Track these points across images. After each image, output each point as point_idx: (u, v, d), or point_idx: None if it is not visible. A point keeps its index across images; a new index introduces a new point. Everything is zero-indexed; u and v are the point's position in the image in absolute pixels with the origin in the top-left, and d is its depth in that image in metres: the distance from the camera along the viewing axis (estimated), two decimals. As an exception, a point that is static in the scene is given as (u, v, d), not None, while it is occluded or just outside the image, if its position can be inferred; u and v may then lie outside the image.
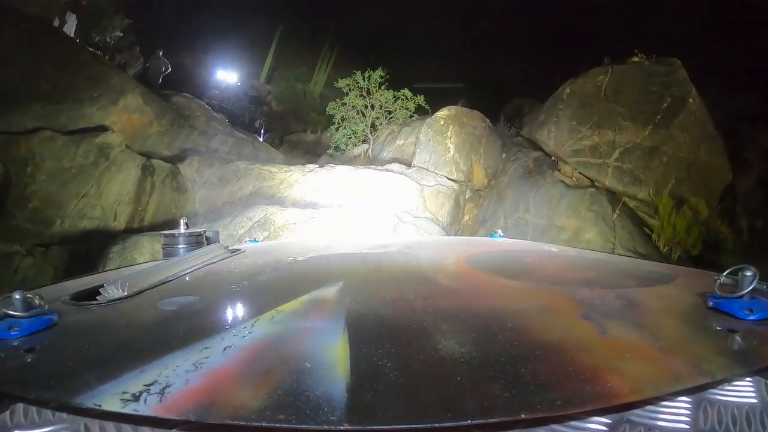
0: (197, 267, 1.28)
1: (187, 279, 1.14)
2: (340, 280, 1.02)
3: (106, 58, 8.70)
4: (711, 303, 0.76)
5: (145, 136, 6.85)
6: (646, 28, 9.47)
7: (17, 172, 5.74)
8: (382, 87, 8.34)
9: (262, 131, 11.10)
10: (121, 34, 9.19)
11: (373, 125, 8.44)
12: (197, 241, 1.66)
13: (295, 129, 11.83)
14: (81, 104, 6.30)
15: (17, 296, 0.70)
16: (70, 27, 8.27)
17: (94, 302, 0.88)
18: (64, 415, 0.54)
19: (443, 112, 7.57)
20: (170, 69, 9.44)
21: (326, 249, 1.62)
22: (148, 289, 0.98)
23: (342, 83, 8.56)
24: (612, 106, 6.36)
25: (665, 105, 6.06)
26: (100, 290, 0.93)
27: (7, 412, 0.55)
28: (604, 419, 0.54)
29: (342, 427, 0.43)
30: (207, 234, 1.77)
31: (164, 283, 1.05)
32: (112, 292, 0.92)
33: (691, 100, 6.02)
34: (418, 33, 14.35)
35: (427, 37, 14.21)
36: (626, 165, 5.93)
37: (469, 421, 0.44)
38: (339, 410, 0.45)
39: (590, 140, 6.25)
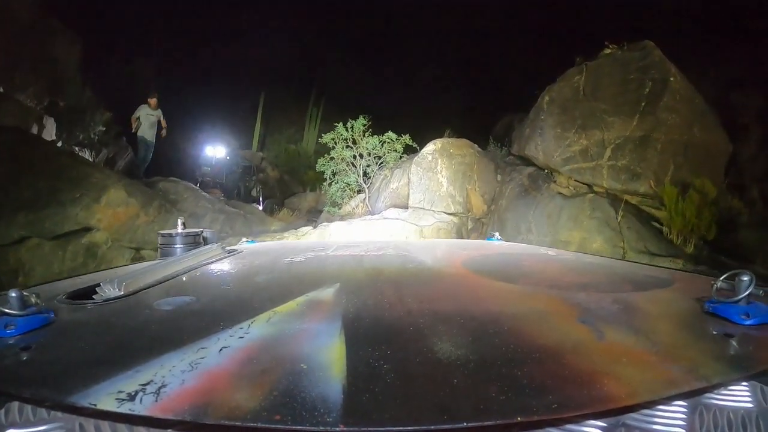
0: (194, 267, 1.28)
1: (184, 279, 1.14)
2: (336, 281, 1.02)
3: (92, 153, 8.75)
4: (708, 307, 0.76)
5: (134, 228, 6.71)
6: (615, 16, 9.30)
7: (9, 284, 5.61)
8: (367, 134, 8.23)
9: (261, 199, 11.01)
10: (104, 128, 9.18)
11: (365, 174, 8.33)
12: (194, 241, 1.66)
13: (294, 191, 11.81)
14: (64, 207, 6.21)
15: (13, 294, 0.70)
16: (50, 130, 8.21)
17: (91, 301, 0.88)
18: (59, 414, 0.54)
19: (429, 148, 7.41)
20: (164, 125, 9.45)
21: (323, 250, 1.62)
22: (145, 289, 0.98)
23: (327, 138, 8.42)
24: (594, 104, 6.11)
25: (647, 90, 5.75)
26: (97, 289, 0.93)
27: (2, 411, 0.55)
28: (600, 423, 0.54)
29: (337, 429, 0.43)
30: (204, 234, 1.77)
31: (161, 282, 1.05)
32: (109, 291, 0.92)
33: (672, 79, 5.72)
34: (397, 70, 14.61)
35: (408, 71, 14.48)
36: (620, 162, 5.67)
37: (465, 424, 0.44)
38: (335, 412, 0.45)
39: (579, 144, 6.01)
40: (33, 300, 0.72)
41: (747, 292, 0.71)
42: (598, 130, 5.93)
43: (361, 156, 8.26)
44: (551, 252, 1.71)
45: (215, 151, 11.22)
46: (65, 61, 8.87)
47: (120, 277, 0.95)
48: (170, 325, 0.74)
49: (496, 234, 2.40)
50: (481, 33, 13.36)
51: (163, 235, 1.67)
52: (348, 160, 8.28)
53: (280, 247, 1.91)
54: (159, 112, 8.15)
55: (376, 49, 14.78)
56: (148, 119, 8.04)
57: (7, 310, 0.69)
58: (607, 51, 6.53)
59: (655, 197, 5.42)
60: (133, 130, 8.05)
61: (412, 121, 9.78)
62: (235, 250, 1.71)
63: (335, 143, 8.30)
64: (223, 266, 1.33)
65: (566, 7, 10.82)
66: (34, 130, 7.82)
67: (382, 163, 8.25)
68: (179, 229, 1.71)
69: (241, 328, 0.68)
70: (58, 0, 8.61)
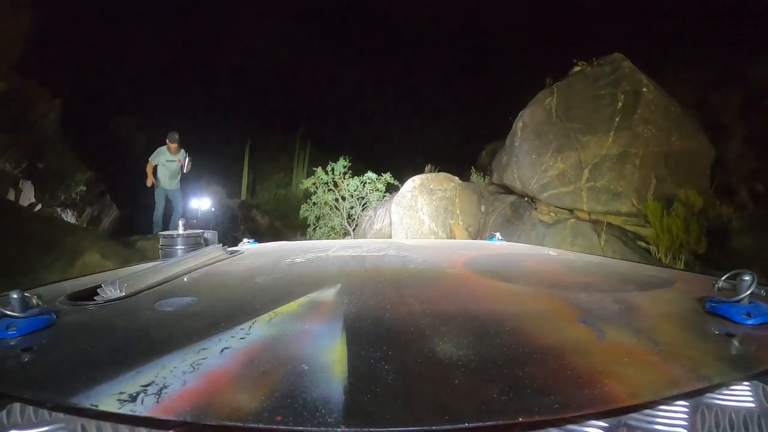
0: (195, 268, 1.28)
1: (185, 280, 1.14)
2: (337, 282, 1.02)
3: (75, 214, 8.63)
4: (709, 307, 0.76)
5: (109, 290, 6.69)
6: (584, 33, 9.33)
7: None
8: (347, 176, 8.11)
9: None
10: (85, 188, 9.07)
11: (349, 216, 8.17)
12: (196, 242, 1.66)
13: (286, 236, 11.66)
14: (37, 274, 5.97)
15: (15, 296, 0.70)
16: (28, 194, 8.06)
17: (92, 302, 0.88)
18: (61, 415, 0.54)
19: (408, 185, 7.25)
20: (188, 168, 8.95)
21: (324, 251, 1.62)
22: (146, 290, 0.98)
23: (307, 183, 8.27)
24: (567, 125, 5.88)
25: (620, 104, 5.58)
26: (98, 290, 0.93)
27: (4, 412, 0.55)
28: (601, 423, 0.53)
29: (339, 430, 0.43)
30: (205, 235, 1.77)
31: (162, 284, 1.05)
32: (110, 292, 0.92)
33: (645, 90, 5.55)
34: (381, 105, 14.77)
35: (390, 107, 14.70)
36: (599, 182, 5.44)
37: (466, 425, 0.44)
38: (336, 412, 0.45)
39: (555, 169, 5.79)
40: (34, 301, 0.73)
41: (748, 292, 0.71)
42: (574, 151, 5.72)
43: (343, 198, 8.12)
44: (552, 252, 1.71)
45: (200, 203, 11.06)
46: (44, 123, 8.68)
47: (121, 279, 0.96)
48: (171, 326, 0.74)
49: (497, 234, 2.40)
50: (463, 61, 13.69)
51: (164, 237, 1.67)
52: (330, 203, 8.15)
53: (282, 248, 1.91)
54: (182, 155, 6.32)
55: (358, 87, 15.09)
56: (168, 168, 6.35)
57: (8, 312, 0.69)
58: (577, 69, 6.36)
59: (639, 215, 5.23)
60: (149, 184, 6.34)
61: (397, 155, 9.88)
62: (236, 251, 1.71)
63: (316, 187, 8.16)
64: (224, 267, 1.33)
65: (544, 25, 10.99)
66: (11, 194, 7.65)
67: (365, 203, 8.13)
68: (180, 230, 1.71)
69: (242, 329, 0.68)
70: (35, 62, 8.51)
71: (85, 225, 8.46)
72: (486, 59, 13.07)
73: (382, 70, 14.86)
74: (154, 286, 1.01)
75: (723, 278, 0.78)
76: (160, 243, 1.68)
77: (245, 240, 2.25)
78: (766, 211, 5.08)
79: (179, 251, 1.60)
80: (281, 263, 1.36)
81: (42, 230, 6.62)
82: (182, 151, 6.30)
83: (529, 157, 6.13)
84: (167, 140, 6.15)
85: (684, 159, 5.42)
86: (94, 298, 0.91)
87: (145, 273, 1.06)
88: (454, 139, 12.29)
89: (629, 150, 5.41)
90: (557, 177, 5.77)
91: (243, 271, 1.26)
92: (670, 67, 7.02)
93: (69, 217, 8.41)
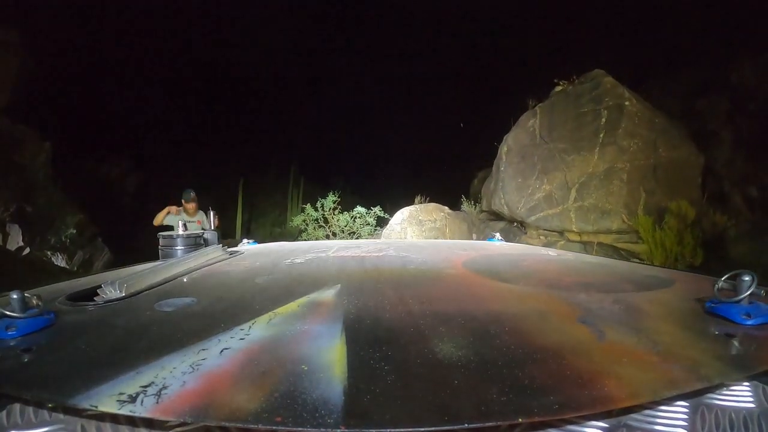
0: (195, 268, 1.28)
1: (185, 280, 1.14)
2: (337, 282, 1.02)
3: (65, 257, 8.52)
4: (709, 307, 0.76)
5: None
6: (564, 51, 9.36)
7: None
8: (337, 211, 8.07)
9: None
10: (75, 231, 8.95)
11: None
12: (195, 243, 1.66)
13: None
14: None
15: (15, 296, 0.70)
16: (16, 237, 7.94)
17: (92, 303, 0.88)
18: (61, 415, 0.54)
19: (397, 218, 7.25)
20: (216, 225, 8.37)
21: (324, 251, 1.62)
22: (146, 290, 0.98)
23: (297, 220, 8.21)
24: (551, 145, 5.82)
25: (603, 120, 5.51)
26: (98, 291, 0.93)
27: (4, 412, 0.55)
28: (601, 423, 0.53)
29: (339, 430, 0.43)
30: (205, 235, 1.76)
31: (162, 284, 1.05)
32: (110, 292, 0.92)
33: (627, 103, 5.50)
34: (373, 137, 14.90)
35: (381, 137, 14.80)
36: (587, 201, 5.36)
37: (466, 425, 0.44)
38: (336, 413, 0.45)
39: (542, 191, 5.74)
40: (34, 302, 0.73)
41: (748, 292, 0.71)
42: (559, 171, 5.66)
43: (334, 234, 8.10)
44: (552, 252, 1.70)
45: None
46: (33, 166, 8.62)
47: (121, 279, 0.96)
48: (171, 326, 0.74)
49: (497, 234, 2.40)
50: (451, 88, 13.78)
51: (164, 237, 1.67)
52: (322, 240, 8.24)
53: (281, 248, 1.91)
54: (202, 215, 4.75)
55: (348, 121, 15.33)
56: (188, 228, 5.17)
57: (8, 312, 0.69)
58: (558, 88, 6.32)
59: (631, 231, 5.13)
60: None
61: (389, 187, 9.90)
62: (236, 252, 1.71)
63: (307, 224, 8.12)
64: (224, 268, 1.33)
65: (525, 46, 11.03)
66: (-2, 240, 7.55)
67: (357, 238, 8.19)
68: (180, 231, 1.70)
69: (241, 330, 0.68)
70: (25, 104, 8.47)
71: (75, 269, 8.36)
72: (475, 84, 13.23)
73: (373, 103, 15.11)
74: (154, 287, 1.01)
75: (723, 278, 0.78)
76: (160, 243, 1.67)
77: (245, 240, 2.25)
78: (763, 215, 5.00)
79: (179, 252, 1.60)
80: (281, 264, 1.36)
81: (28, 274, 6.62)
82: (201, 212, 4.78)
83: (515, 181, 6.08)
84: (182, 200, 4.69)
85: (672, 169, 5.34)
86: (94, 298, 0.91)
87: (144, 273, 1.06)
88: (446, 168, 12.36)
89: (616, 165, 5.35)
90: (544, 199, 5.72)
91: (243, 271, 1.26)
92: (653, 79, 7.02)
93: (59, 260, 8.29)
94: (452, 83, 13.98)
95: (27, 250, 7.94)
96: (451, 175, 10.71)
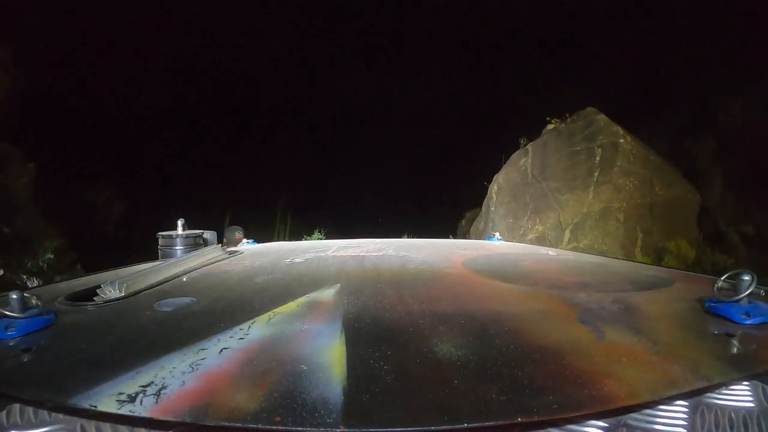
0: (194, 268, 1.28)
1: (184, 280, 1.14)
2: (337, 282, 1.02)
3: (41, 283, 8.19)
4: (709, 307, 0.76)
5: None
6: (556, 90, 9.07)
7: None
8: None
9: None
10: (52, 256, 8.68)
11: None
12: (195, 243, 1.65)
13: None
14: None
15: (14, 296, 0.70)
16: None
17: (91, 303, 0.88)
18: (60, 415, 0.54)
19: None
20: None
21: (324, 251, 1.62)
22: (145, 290, 0.98)
23: None
24: (544, 184, 5.67)
25: (598, 158, 5.37)
26: (98, 291, 0.93)
27: (3, 413, 0.54)
28: (601, 423, 0.53)
29: (338, 430, 0.43)
30: (205, 235, 1.76)
31: (161, 284, 1.05)
32: (109, 292, 0.92)
33: (622, 141, 5.37)
34: (362, 176, 14.62)
35: (371, 177, 14.50)
36: (582, 242, 5.21)
37: (465, 425, 0.44)
38: (335, 413, 0.45)
39: (534, 231, 5.60)
40: (34, 302, 0.72)
41: (748, 292, 0.71)
42: (553, 211, 5.49)
43: None
44: (551, 252, 1.70)
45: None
46: (15, 187, 8.47)
47: (121, 279, 0.96)
48: (171, 326, 0.74)
49: (497, 234, 2.40)
50: (437, 126, 13.54)
51: (163, 237, 1.67)
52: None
53: (281, 248, 1.91)
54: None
55: (336, 156, 15.08)
56: None
57: (8, 312, 0.69)
58: (551, 126, 6.19)
59: None
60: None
61: (377, 226, 9.74)
62: (236, 252, 1.71)
63: None
64: (223, 267, 1.33)
65: (516, 83, 10.82)
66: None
67: None
68: (179, 231, 1.70)
69: (241, 329, 0.68)
70: (11, 124, 8.36)
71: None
72: (464, 122, 13.04)
73: (362, 140, 14.88)
74: (154, 287, 1.01)
75: (723, 278, 0.78)
76: (159, 243, 1.67)
77: (245, 240, 2.25)
78: (761, 253, 4.94)
79: (178, 252, 1.60)
80: (280, 263, 1.36)
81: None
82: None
83: (506, 221, 5.96)
84: (225, 241, 4.62)
85: (669, 208, 5.21)
86: (94, 298, 0.91)
87: (144, 273, 1.06)
88: (434, 207, 12.12)
89: (611, 205, 5.20)
90: (537, 240, 5.58)
91: (242, 271, 1.26)
92: (642, 119, 6.94)
93: (35, 285, 8.31)
94: (441, 121, 13.86)
95: (1, 272, 7.80)
96: (440, 214, 10.64)
